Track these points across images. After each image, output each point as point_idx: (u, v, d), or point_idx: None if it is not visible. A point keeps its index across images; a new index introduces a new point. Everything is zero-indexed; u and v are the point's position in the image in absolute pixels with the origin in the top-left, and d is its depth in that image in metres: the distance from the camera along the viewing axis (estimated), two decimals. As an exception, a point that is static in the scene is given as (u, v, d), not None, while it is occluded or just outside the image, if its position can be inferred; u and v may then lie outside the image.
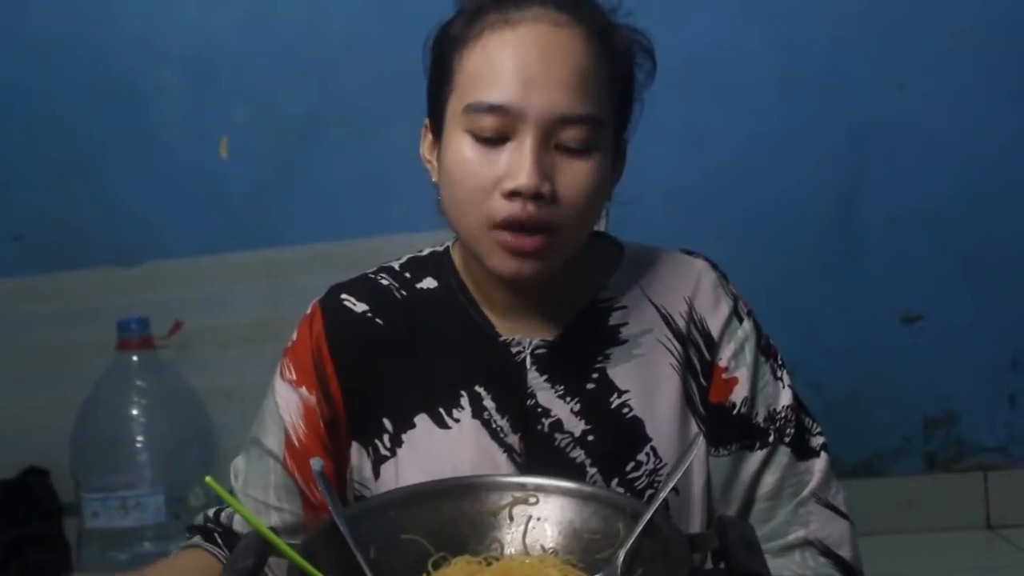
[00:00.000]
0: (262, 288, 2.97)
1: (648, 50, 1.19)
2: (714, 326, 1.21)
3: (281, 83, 2.96)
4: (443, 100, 1.14)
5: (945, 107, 2.78)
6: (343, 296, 1.25)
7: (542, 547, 1.01)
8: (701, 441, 1.17)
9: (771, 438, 1.20)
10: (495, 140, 1.08)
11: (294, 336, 1.25)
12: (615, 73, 1.13)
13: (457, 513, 1.03)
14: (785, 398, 1.22)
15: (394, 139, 2.93)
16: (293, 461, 1.22)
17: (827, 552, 1.18)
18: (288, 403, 1.23)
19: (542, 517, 1.02)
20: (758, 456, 1.20)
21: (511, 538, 1.02)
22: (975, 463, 2.86)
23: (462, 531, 1.02)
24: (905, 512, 2.80)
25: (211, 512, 1.26)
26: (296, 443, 1.21)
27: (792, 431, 1.21)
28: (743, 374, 1.20)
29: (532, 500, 1.03)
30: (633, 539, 0.94)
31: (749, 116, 2.82)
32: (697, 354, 1.20)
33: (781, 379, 1.23)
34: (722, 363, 1.20)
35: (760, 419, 1.20)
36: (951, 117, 2.79)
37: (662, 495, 0.97)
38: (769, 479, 1.20)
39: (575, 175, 1.08)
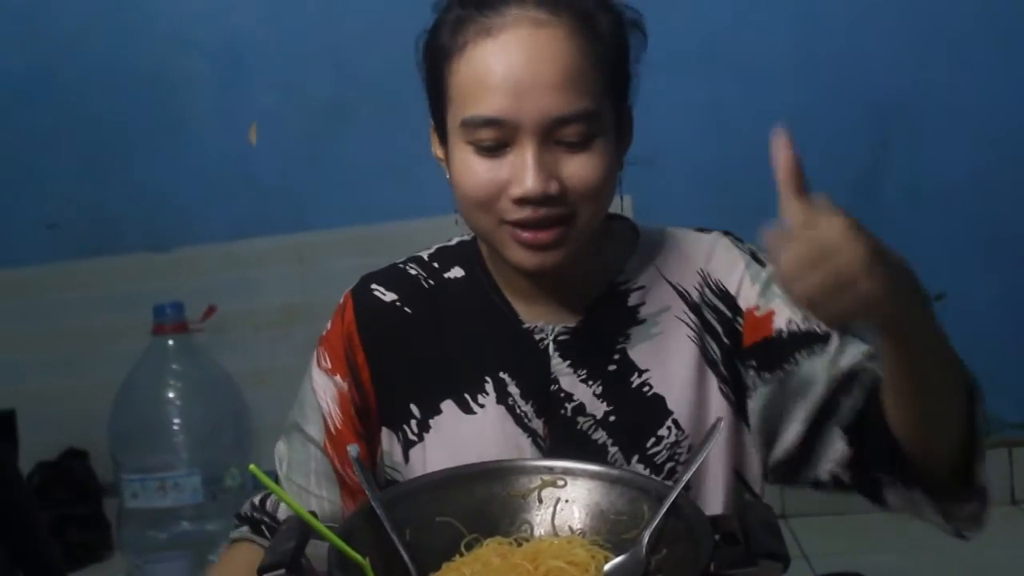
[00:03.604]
0: (293, 272, 3.02)
1: (635, 22, 1.19)
2: (731, 282, 1.22)
3: (307, 69, 3.00)
4: (442, 109, 1.16)
5: (967, 84, 2.79)
6: (373, 286, 1.28)
7: (570, 528, 1.04)
8: (722, 425, 1.17)
9: (835, 336, 1.18)
10: (496, 149, 1.10)
11: (328, 325, 1.29)
12: (605, 57, 1.12)
13: (488, 496, 1.06)
14: None
15: (420, 122, 2.95)
16: (331, 447, 1.25)
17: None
18: (326, 391, 1.26)
19: (570, 499, 1.06)
20: (831, 350, 1.16)
21: (540, 520, 1.06)
22: (999, 439, 2.86)
23: (493, 513, 1.06)
24: (929, 487, 2.82)
25: (257, 500, 1.29)
26: (333, 430, 1.25)
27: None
28: (777, 304, 1.20)
29: (560, 483, 1.07)
30: (658, 520, 0.97)
31: (770, 94, 2.84)
32: (715, 314, 1.21)
33: None
34: (751, 304, 1.20)
35: (821, 326, 1.17)
36: (973, 94, 2.79)
37: (685, 478, 1.00)
38: (848, 359, 1.17)
39: (580, 167, 1.10)
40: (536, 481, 1.07)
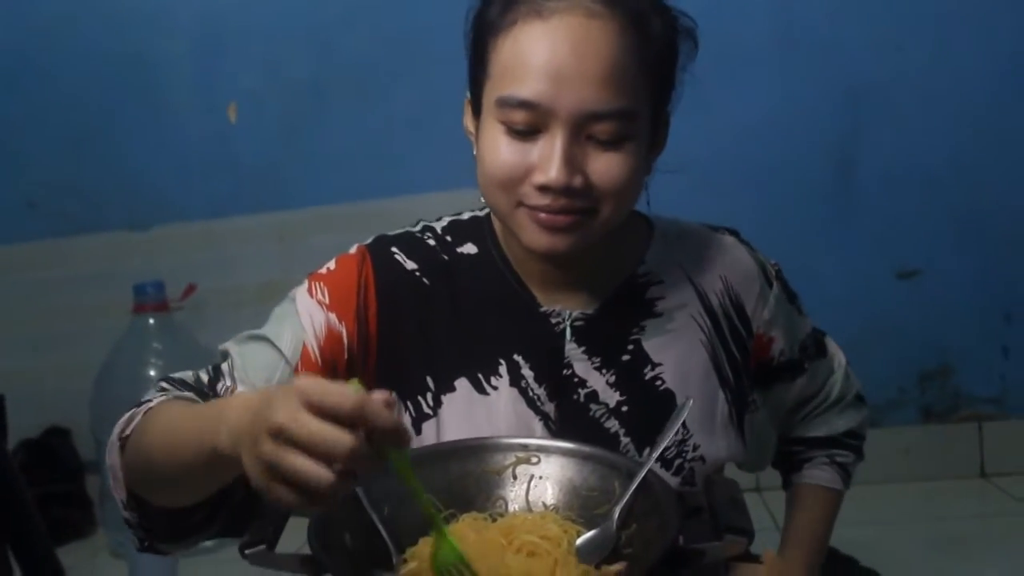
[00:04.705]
0: (272, 250, 3.03)
1: (689, 31, 1.18)
2: (748, 301, 1.26)
3: (286, 49, 3.00)
4: (480, 83, 1.14)
5: (942, 69, 2.82)
6: (393, 249, 1.24)
7: (543, 504, 1.07)
8: (690, 404, 1.17)
9: (806, 364, 1.34)
10: (527, 132, 1.09)
11: (331, 265, 1.24)
12: (650, 59, 1.10)
13: (464, 473, 1.09)
14: (807, 326, 1.35)
15: (398, 103, 2.98)
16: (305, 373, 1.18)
17: (863, 398, 1.45)
18: (314, 319, 1.19)
19: (543, 476, 1.08)
20: (800, 382, 1.34)
21: (514, 495, 1.08)
22: (970, 413, 2.92)
23: (469, 490, 1.08)
24: (902, 461, 2.87)
25: (204, 379, 1.19)
26: (313, 358, 1.19)
27: (816, 346, 1.37)
28: (778, 332, 1.28)
29: (534, 460, 1.09)
30: (628, 496, 1.00)
31: (749, 79, 2.86)
32: (730, 327, 1.25)
33: (801, 312, 1.34)
34: (761, 330, 1.27)
35: (796, 353, 1.32)
36: (948, 78, 2.82)
37: (655, 455, 1.03)
38: (814, 387, 1.37)
39: (607, 165, 1.09)
40: (510, 458, 1.09)
